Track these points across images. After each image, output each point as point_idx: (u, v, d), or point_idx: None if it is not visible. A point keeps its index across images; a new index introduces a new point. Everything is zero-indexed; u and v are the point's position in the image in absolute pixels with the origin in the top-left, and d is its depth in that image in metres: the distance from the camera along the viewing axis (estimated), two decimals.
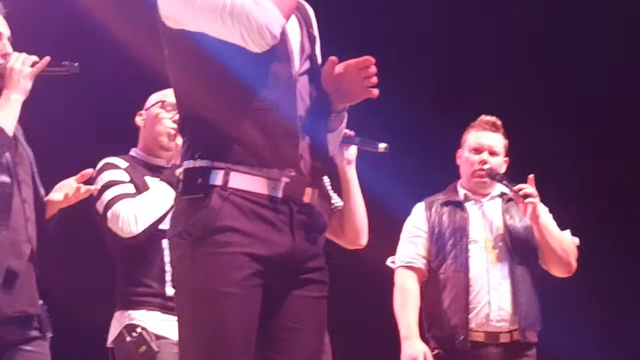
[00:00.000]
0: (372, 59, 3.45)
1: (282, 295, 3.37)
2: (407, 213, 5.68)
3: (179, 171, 3.43)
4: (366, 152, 4.95)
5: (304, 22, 3.57)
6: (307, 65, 3.50)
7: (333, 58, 3.47)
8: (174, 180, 4.08)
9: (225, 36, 3.29)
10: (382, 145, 4.84)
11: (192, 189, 3.31)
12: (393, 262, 5.55)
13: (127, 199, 4.67)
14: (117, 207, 4.64)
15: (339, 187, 4.98)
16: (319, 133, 3.51)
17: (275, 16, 3.27)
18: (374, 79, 3.45)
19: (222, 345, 3.24)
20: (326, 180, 4.90)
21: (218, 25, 3.28)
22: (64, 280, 4.52)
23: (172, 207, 4.19)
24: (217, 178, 3.29)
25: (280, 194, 3.33)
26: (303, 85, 3.46)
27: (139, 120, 4.97)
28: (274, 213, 3.32)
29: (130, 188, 4.72)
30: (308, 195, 3.41)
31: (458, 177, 5.65)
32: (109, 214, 4.63)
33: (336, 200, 4.99)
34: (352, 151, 4.86)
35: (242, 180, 3.30)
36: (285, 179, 3.34)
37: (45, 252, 4.28)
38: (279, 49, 3.36)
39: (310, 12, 3.65)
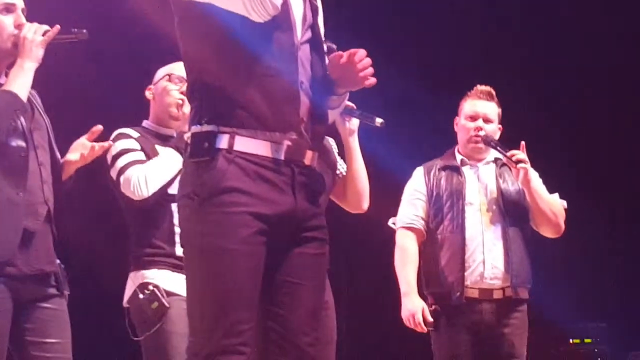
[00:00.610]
0: (364, 52, 3.49)
1: (284, 252, 3.41)
2: (406, 177, 5.71)
3: (186, 135, 3.45)
4: (365, 125, 4.96)
5: None
6: (308, 34, 3.50)
7: (336, 55, 3.52)
8: (182, 146, 4.14)
9: (230, 6, 3.29)
10: (379, 120, 4.83)
11: (199, 152, 3.34)
12: (394, 223, 5.62)
13: (138, 165, 4.68)
14: (128, 172, 4.65)
15: (343, 155, 4.99)
16: (319, 98, 3.51)
17: None
18: (370, 70, 3.50)
19: (228, 299, 3.27)
20: (333, 145, 4.94)
21: None
22: (83, 240, 4.54)
23: (180, 171, 4.22)
24: (223, 141, 3.32)
25: (282, 156, 3.36)
26: (304, 53, 3.47)
27: (148, 94, 4.98)
28: (277, 174, 3.35)
29: (140, 155, 4.73)
30: (309, 157, 3.44)
31: (450, 144, 5.70)
32: (121, 179, 4.66)
33: (341, 166, 5.02)
34: (354, 122, 4.88)
35: (247, 144, 3.32)
36: (287, 142, 3.36)
37: (63, 213, 4.30)
38: (282, 19, 3.37)
39: None
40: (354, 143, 4.93)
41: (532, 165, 5.44)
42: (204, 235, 3.31)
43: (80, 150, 4.43)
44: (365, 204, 5.06)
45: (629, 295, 7.44)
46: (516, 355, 5.43)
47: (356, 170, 4.97)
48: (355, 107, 4.69)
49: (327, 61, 3.63)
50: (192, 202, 3.34)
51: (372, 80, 3.53)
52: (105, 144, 4.52)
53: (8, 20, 4.21)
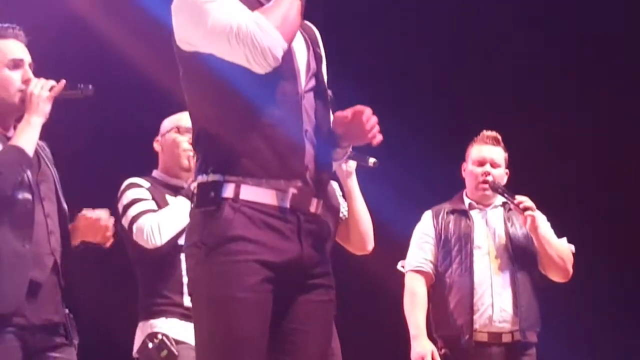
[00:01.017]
0: (370, 111, 3.48)
1: (291, 300, 3.39)
2: (411, 223, 5.75)
3: (193, 185, 3.47)
4: (359, 166, 4.99)
5: (311, 42, 3.59)
6: (312, 82, 3.52)
7: (340, 114, 3.51)
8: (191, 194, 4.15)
9: (231, 57, 3.32)
10: (371, 160, 4.88)
11: (206, 202, 3.34)
12: (403, 267, 5.66)
13: (150, 214, 4.73)
14: (141, 221, 4.70)
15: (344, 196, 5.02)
16: (323, 146, 3.52)
17: (277, 40, 3.30)
18: (377, 128, 3.50)
19: (236, 348, 3.27)
20: (337, 188, 4.95)
21: (225, 47, 3.31)
22: (91, 289, 4.54)
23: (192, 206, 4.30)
24: (229, 191, 3.32)
25: (288, 205, 3.36)
26: (309, 101, 3.48)
27: (156, 145, 5.03)
28: (283, 222, 3.35)
29: (152, 205, 4.78)
30: (314, 205, 3.44)
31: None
32: (134, 228, 4.70)
33: (343, 209, 5.03)
34: (351, 164, 4.89)
35: (252, 193, 3.32)
36: (292, 190, 3.36)
37: (71, 263, 4.28)
38: (286, 67, 3.40)
39: (317, 32, 3.68)
40: (353, 184, 4.98)
41: (543, 211, 5.49)
42: (211, 283, 3.31)
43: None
44: (370, 245, 5.08)
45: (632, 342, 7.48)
46: None
47: (357, 211, 5.00)
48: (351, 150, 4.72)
49: (331, 110, 3.64)
50: (199, 251, 3.33)
51: (379, 138, 3.53)
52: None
53: (16, 76, 4.22)
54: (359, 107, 3.50)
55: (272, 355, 3.37)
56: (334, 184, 4.93)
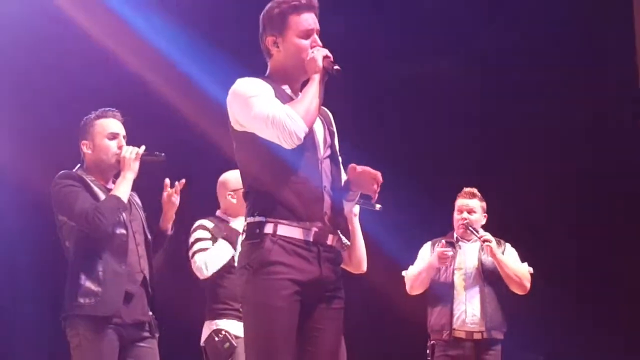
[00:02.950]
0: (380, 177, 3.53)
1: (312, 307, 3.46)
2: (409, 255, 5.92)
3: (243, 224, 3.51)
4: (366, 210, 4.98)
5: (325, 122, 3.64)
6: (328, 152, 3.59)
7: (353, 165, 3.56)
8: (230, 238, 4.35)
9: (268, 137, 3.39)
10: (377, 206, 4.85)
11: (253, 236, 3.43)
12: (405, 274, 5.80)
13: (202, 253, 4.87)
14: (195, 257, 4.88)
15: (347, 232, 5.15)
16: (337, 198, 3.57)
17: (301, 126, 3.37)
18: (377, 188, 3.55)
19: (274, 340, 3.35)
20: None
21: (263, 129, 3.38)
22: (169, 297, 4.70)
23: (231, 257, 4.44)
24: (269, 228, 3.41)
25: (311, 239, 3.44)
26: (326, 165, 3.55)
27: (229, 198, 5.08)
28: (307, 252, 3.43)
29: (207, 245, 4.90)
30: (331, 239, 3.50)
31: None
32: (192, 261, 4.90)
33: (345, 241, 5.20)
34: (356, 208, 4.89)
35: (286, 230, 3.41)
36: (314, 229, 3.44)
37: (154, 279, 4.40)
38: (309, 142, 3.46)
39: (330, 115, 3.72)
40: (356, 223, 4.94)
41: (519, 244, 5.70)
42: (256, 294, 3.39)
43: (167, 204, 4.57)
44: (364, 267, 5.08)
45: (563, 336, 7.38)
46: None
47: (358, 242, 4.98)
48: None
49: (342, 170, 3.68)
50: (248, 272, 3.42)
51: (376, 195, 3.57)
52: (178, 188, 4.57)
53: (113, 144, 4.39)
54: (374, 171, 3.55)
55: (299, 346, 3.43)
56: None
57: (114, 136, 4.41)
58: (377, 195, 3.58)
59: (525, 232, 6.69)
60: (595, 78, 7.30)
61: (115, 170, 4.40)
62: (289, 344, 3.40)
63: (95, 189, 4.33)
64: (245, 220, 3.52)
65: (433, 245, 5.82)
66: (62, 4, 6.65)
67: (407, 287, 5.75)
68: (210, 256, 4.83)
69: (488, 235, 5.63)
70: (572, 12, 7.23)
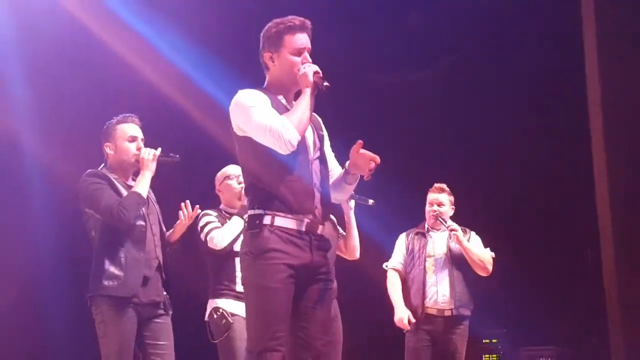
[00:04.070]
0: (378, 159, 3.50)
1: (305, 288, 3.49)
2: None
3: (245, 216, 3.55)
4: (361, 204, 5.09)
5: (315, 128, 3.65)
6: (318, 153, 3.61)
7: (360, 141, 3.52)
8: (243, 214, 4.27)
9: (265, 143, 3.42)
10: (370, 201, 5.04)
11: (253, 227, 3.46)
12: (386, 266, 5.85)
13: (216, 229, 4.79)
14: (212, 233, 4.77)
15: (344, 223, 5.10)
16: (326, 194, 3.59)
17: (295, 135, 3.40)
18: (373, 170, 3.52)
19: (271, 317, 3.37)
20: (334, 220, 4.96)
21: (262, 136, 3.41)
22: (179, 279, 4.69)
23: (243, 229, 4.39)
24: (267, 220, 3.43)
25: (304, 229, 3.46)
26: (316, 165, 3.57)
27: (218, 192, 5.06)
28: (300, 240, 3.46)
29: (218, 224, 4.82)
30: (320, 229, 3.52)
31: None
32: (208, 238, 4.77)
33: (341, 231, 5.10)
34: (351, 203, 5.02)
35: (282, 221, 3.44)
36: (306, 220, 3.47)
37: (168, 265, 4.42)
38: (301, 145, 3.47)
39: (319, 120, 3.73)
40: (352, 216, 5.06)
41: (481, 229, 5.71)
42: (256, 278, 3.42)
43: (182, 221, 4.56)
44: (358, 254, 5.20)
45: (520, 313, 7.45)
46: (458, 352, 5.58)
47: (352, 233, 5.11)
48: (354, 192, 4.61)
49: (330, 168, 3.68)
50: (248, 257, 3.45)
51: (369, 176, 3.54)
52: (192, 212, 4.57)
53: (132, 146, 4.39)
54: (372, 154, 3.52)
55: (293, 322, 3.45)
56: (332, 217, 4.88)
57: (133, 139, 4.41)
58: (371, 174, 3.53)
59: (492, 221, 6.69)
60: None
61: (134, 168, 4.40)
62: (284, 320, 3.41)
63: (118, 185, 4.32)
64: (247, 213, 3.53)
65: (407, 235, 5.85)
66: (89, 23, 6.68)
67: (387, 281, 5.78)
68: (226, 229, 4.78)
69: (455, 225, 5.67)
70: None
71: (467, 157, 7.75)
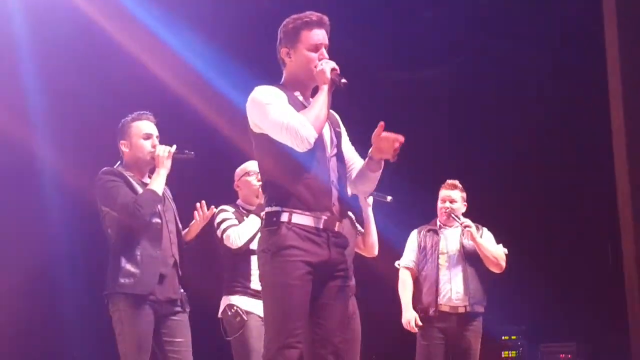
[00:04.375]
0: (401, 138, 3.46)
1: (322, 285, 3.47)
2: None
3: (262, 213, 3.52)
4: (379, 201, 5.11)
5: (332, 124, 3.63)
6: (335, 150, 3.58)
7: (382, 123, 3.48)
8: (259, 213, 4.28)
9: (282, 141, 3.40)
10: (389, 197, 5.06)
11: (270, 224, 3.44)
12: (398, 265, 5.82)
13: (233, 227, 4.80)
14: (228, 231, 4.78)
15: (362, 220, 5.11)
16: (343, 191, 3.57)
17: (312, 133, 3.38)
18: (397, 150, 3.48)
19: (289, 314, 3.36)
20: (353, 217, 4.93)
21: (278, 134, 3.39)
22: (195, 277, 4.69)
23: (259, 228, 4.46)
24: (284, 217, 3.41)
25: (321, 226, 3.45)
26: (333, 162, 3.54)
27: (237, 188, 5.08)
28: (318, 237, 3.44)
29: (235, 221, 4.84)
30: (338, 226, 3.50)
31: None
32: (224, 236, 4.80)
33: (359, 228, 5.11)
34: (370, 200, 5.03)
35: (299, 218, 3.42)
36: (324, 217, 3.45)
37: (184, 262, 4.43)
38: (318, 142, 3.44)
39: (337, 116, 3.71)
40: (370, 212, 5.07)
41: (496, 229, 5.69)
42: (274, 275, 3.40)
43: (197, 221, 4.59)
44: (376, 251, 5.21)
45: (540, 309, 7.43)
46: (472, 349, 5.56)
47: (370, 230, 5.11)
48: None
49: (348, 162, 3.66)
50: (266, 255, 3.43)
51: (395, 158, 3.49)
52: (207, 212, 4.61)
53: (147, 144, 4.40)
54: (395, 135, 3.47)
55: (311, 318, 3.44)
56: (350, 213, 4.79)
57: (148, 136, 4.42)
58: (396, 155, 3.50)
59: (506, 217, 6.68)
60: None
61: (150, 166, 4.40)
62: (302, 317, 3.40)
63: (134, 183, 4.33)
64: (264, 210, 3.52)
65: (419, 232, 5.83)
66: (101, 21, 6.71)
67: (399, 281, 5.76)
68: (242, 228, 4.80)
69: (468, 222, 5.65)
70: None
71: (485, 153, 7.74)
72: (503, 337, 7.44)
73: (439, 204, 5.82)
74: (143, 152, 4.39)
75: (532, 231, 7.59)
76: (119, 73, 6.83)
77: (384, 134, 3.50)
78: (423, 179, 6.75)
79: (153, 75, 6.91)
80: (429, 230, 5.81)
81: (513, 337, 7.41)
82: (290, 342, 3.35)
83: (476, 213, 5.88)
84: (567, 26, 7.13)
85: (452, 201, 5.78)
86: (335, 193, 3.52)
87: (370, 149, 3.57)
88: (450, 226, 5.80)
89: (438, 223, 5.83)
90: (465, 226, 5.63)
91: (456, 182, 5.86)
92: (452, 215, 5.72)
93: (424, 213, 6.05)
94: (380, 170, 3.64)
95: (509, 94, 7.55)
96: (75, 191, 6.47)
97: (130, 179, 4.34)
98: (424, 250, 5.73)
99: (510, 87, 7.52)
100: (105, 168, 4.38)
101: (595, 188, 6.91)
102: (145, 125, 4.44)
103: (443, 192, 5.83)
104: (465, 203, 5.84)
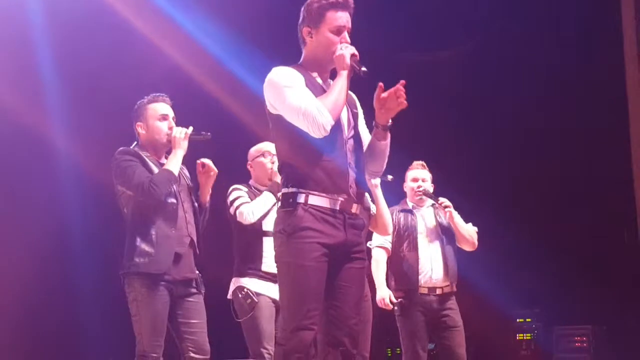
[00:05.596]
0: (403, 82, 3.42)
1: (338, 267, 3.47)
2: None
3: (279, 195, 3.54)
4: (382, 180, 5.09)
5: (349, 106, 3.60)
6: (352, 132, 3.57)
7: (381, 83, 3.45)
8: (274, 190, 4.31)
9: (299, 125, 3.39)
10: (389, 177, 5.06)
11: (287, 205, 3.43)
12: (370, 245, 5.66)
13: (246, 204, 4.81)
14: (241, 208, 4.79)
15: (373, 201, 5.10)
16: (360, 173, 3.56)
17: (329, 119, 3.37)
18: (404, 96, 3.43)
19: (304, 296, 3.37)
20: (368, 197, 4.96)
21: (295, 118, 3.38)
22: (211, 257, 4.73)
23: (273, 205, 4.35)
24: (301, 198, 3.41)
25: (338, 208, 3.44)
26: (350, 144, 3.54)
27: (249, 167, 5.08)
28: (334, 219, 3.44)
29: (248, 199, 4.84)
30: (354, 208, 3.49)
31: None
32: (237, 213, 4.80)
33: (372, 208, 5.11)
34: (377, 180, 5.02)
35: (316, 200, 3.42)
36: (340, 199, 3.44)
37: (200, 242, 4.42)
38: (335, 124, 3.41)
39: (355, 98, 3.69)
40: (379, 193, 5.08)
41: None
42: (289, 255, 3.40)
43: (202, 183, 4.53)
44: (390, 230, 5.21)
45: (554, 292, 7.40)
46: (458, 325, 5.55)
47: (381, 209, 5.13)
48: None
49: (365, 144, 3.62)
50: (282, 236, 3.43)
51: (404, 104, 3.45)
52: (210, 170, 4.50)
53: (164, 125, 4.40)
54: (394, 88, 3.42)
55: (327, 300, 3.44)
56: (367, 195, 4.83)
57: (164, 118, 4.41)
58: (403, 104, 3.46)
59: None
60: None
61: (166, 147, 4.40)
62: (318, 298, 3.40)
63: (150, 163, 4.33)
64: (281, 191, 3.52)
65: (391, 213, 5.59)
66: (122, 11, 6.77)
67: (372, 260, 5.68)
68: (256, 204, 4.80)
69: (447, 201, 5.63)
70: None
71: (504, 132, 7.74)
72: (518, 320, 7.44)
73: (410, 184, 5.77)
74: (160, 134, 4.38)
75: (547, 214, 7.57)
76: (135, 56, 6.85)
77: (384, 93, 3.46)
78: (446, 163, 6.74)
79: (169, 58, 6.94)
80: (401, 211, 5.74)
81: (528, 320, 7.40)
82: (306, 324, 3.36)
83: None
84: (584, 9, 7.10)
85: (424, 180, 5.76)
86: (352, 175, 3.51)
87: (375, 117, 3.54)
88: (422, 206, 5.76)
89: (410, 203, 5.77)
90: (445, 206, 5.60)
91: (423, 162, 5.84)
92: (428, 194, 5.69)
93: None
94: (388, 141, 3.59)
95: (533, 77, 7.54)
96: (91, 173, 6.50)
97: (147, 159, 4.34)
98: (399, 231, 5.65)
99: (534, 69, 7.51)
100: (121, 148, 4.37)
101: (611, 169, 6.90)
102: (162, 107, 4.42)
103: (414, 172, 5.78)
104: (432, 183, 5.82)
